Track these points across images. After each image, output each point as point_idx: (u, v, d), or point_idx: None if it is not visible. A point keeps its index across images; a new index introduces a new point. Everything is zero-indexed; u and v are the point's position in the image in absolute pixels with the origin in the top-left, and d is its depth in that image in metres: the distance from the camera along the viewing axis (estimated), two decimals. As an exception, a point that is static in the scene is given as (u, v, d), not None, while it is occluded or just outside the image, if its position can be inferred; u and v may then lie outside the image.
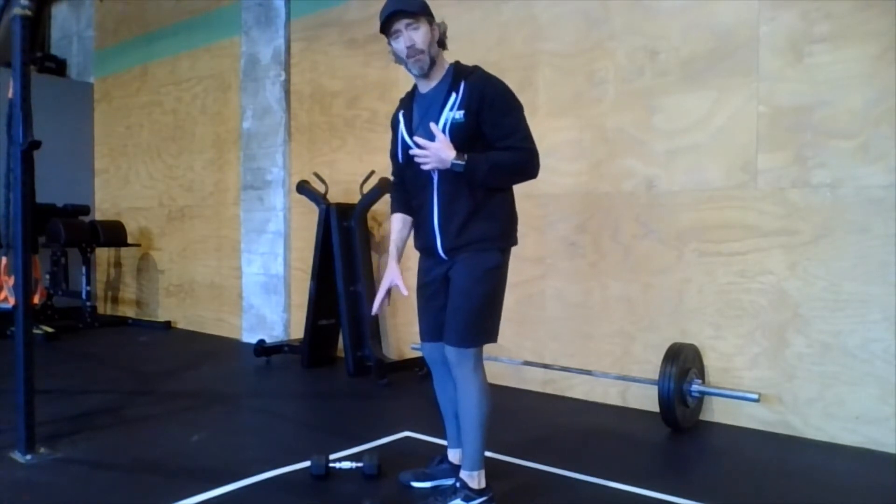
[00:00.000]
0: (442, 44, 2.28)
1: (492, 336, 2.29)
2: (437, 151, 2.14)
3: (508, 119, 2.21)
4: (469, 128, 2.18)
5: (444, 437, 2.58)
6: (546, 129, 3.95)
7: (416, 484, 2.51)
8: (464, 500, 2.26)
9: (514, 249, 2.34)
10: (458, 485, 2.29)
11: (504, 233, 2.29)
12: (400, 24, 2.20)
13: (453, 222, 2.23)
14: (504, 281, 2.30)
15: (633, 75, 3.63)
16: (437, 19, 2.27)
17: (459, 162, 2.12)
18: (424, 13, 2.22)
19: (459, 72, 2.28)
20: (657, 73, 3.55)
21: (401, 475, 2.55)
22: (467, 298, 2.22)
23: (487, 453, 2.35)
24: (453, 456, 2.51)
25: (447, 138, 2.15)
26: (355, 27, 4.96)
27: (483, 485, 2.30)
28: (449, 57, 2.33)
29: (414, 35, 2.19)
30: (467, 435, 2.29)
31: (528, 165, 2.22)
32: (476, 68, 2.30)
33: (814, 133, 3.09)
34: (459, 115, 2.18)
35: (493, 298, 2.27)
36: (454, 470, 2.43)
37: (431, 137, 2.16)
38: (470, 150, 2.16)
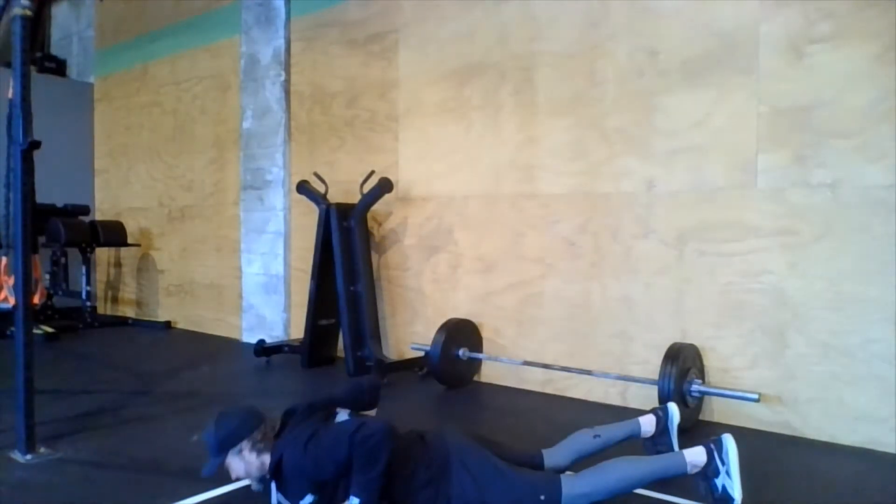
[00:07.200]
0: (262, 444, 2.21)
1: None
2: None
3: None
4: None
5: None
6: (546, 129, 3.95)
7: None
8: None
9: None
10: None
11: None
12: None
13: None
14: None
15: (633, 75, 3.63)
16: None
17: None
18: (224, 451, 2.20)
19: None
20: (657, 73, 3.55)
21: None
22: None
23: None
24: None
25: None
26: (355, 27, 4.96)
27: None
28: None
29: (232, 469, 2.22)
30: None
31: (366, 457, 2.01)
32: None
33: (814, 133, 3.09)
34: None
35: None
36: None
37: None
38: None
